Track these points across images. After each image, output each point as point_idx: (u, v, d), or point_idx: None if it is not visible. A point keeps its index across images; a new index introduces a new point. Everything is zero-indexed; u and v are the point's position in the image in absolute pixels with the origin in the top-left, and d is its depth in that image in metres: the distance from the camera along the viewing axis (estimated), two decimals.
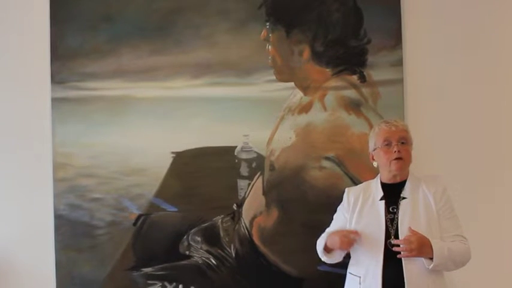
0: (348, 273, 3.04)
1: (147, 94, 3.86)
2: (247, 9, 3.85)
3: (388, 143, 2.95)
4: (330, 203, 3.54)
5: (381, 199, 2.97)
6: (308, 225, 3.72)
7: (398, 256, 2.79)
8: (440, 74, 3.82)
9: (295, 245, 3.73)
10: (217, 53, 3.85)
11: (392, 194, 2.96)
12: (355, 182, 3.66)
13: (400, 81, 3.80)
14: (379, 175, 3.05)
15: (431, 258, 2.78)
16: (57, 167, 3.85)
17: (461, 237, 2.90)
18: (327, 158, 3.77)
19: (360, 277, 2.92)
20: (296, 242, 3.74)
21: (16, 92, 3.91)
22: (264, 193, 3.81)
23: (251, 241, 3.80)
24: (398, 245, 2.81)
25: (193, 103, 3.85)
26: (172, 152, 3.85)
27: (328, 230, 3.13)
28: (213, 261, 3.81)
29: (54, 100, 3.87)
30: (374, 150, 3.03)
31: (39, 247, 3.85)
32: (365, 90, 3.80)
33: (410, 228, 2.80)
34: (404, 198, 2.93)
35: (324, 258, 3.06)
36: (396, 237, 2.84)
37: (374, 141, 3.02)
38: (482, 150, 3.79)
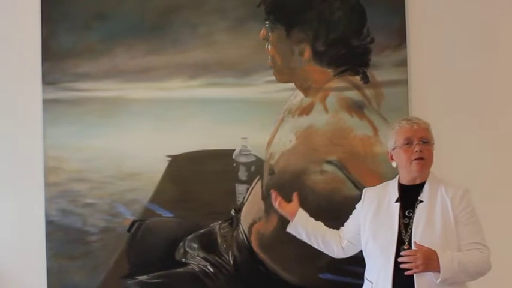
0: (364, 278, 2.99)
1: (142, 95, 3.84)
2: (246, 7, 3.84)
3: (409, 142, 2.86)
4: (332, 208, 3.66)
5: (397, 201, 2.89)
6: None
7: (406, 273, 2.73)
8: (446, 74, 3.80)
9: (295, 252, 3.69)
10: (214, 52, 3.83)
11: (410, 196, 2.88)
12: (358, 187, 3.68)
13: (404, 81, 3.78)
14: (398, 176, 2.97)
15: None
16: (48, 171, 3.83)
17: (479, 245, 2.80)
18: (329, 162, 3.75)
19: (372, 282, 2.88)
20: (296, 248, 3.62)
21: (6, 93, 3.89)
22: (263, 198, 3.79)
23: (250, 248, 3.78)
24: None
25: (190, 105, 3.83)
26: (168, 156, 3.82)
27: (341, 227, 3.13)
28: (211, 269, 3.78)
29: (45, 101, 3.85)
30: (393, 149, 2.93)
31: (30, 254, 3.83)
32: (368, 92, 3.78)
33: (415, 242, 2.73)
34: (421, 201, 2.85)
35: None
36: (410, 243, 2.77)
37: (394, 140, 2.93)
38: (490, 153, 3.77)
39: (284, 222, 3.62)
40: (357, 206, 3.08)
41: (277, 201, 3.15)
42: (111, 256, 3.78)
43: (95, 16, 3.85)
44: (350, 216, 3.11)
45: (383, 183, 3.07)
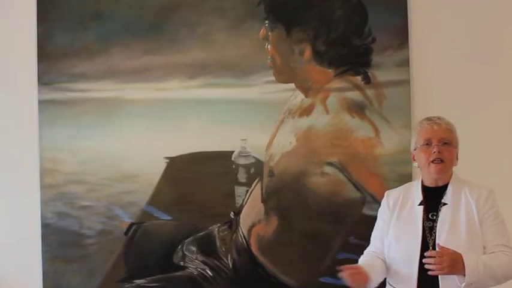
0: (386, 282, 2.93)
1: (139, 96, 3.83)
2: (245, 6, 3.83)
3: (428, 143, 2.82)
4: (332, 211, 3.67)
5: (420, 204, 2.84)
6: (309, 234, 3.70)
7: (429, 273, 2.67)
8: (449, 75, 3.78)
9: (295, 255, 3.70)
10: (213, 52, 3.82)
11: (433, 198, 2.83)
12: (359, 189, 3.68)
13: (406, 82, 3.76)
14: (420, 177, 2.93)
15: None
16: (44, 173, 3.82)
17: (505, 247, 2.74)
18: (329, 164, 3.73)
19: None
20: (297, 252, 3.71)
21: (1, 93, 3.88)
22: (263, 200, 3.77)
23: (249, 251, 3.76)
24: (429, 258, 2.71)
25: (188, 105, 3.81)
26: (166, 157, 3.81)
27: (371, 241, 3.01)
28: (209, 273, 3.77)
29: (41, 102, 3.84)
30: (415, 149, 2.90)
31: (26, 258, 3.82)
32: (369, 92, 3.76)
33: (438, 245, 2.68)
34: (445, 204, 2.80)
35: None
36: (434, 247, 2.72)
37: (415, 140, 2.89)
38: (494, 154, 3.75)
39: (284, 224, 3.64)
40: (379, 213, 3.00)
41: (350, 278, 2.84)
42: (108, 259, 3.77)
43: (91, 15, 3.85)
44: (375, 226, 3.01)
45: (405, 185, 3.02)
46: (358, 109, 3.75)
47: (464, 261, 2.62)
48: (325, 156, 3.74)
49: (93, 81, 3.83)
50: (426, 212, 2.80)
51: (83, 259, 3.77)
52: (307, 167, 3.74)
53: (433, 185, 2.83)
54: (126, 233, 3.79)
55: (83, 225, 3.80)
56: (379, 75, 3.75)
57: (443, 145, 2.78)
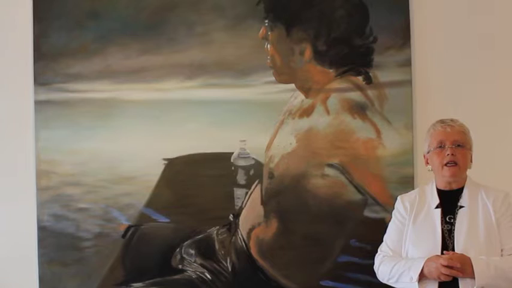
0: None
1: (137, 96, 3.82)
2: (245, 5, 3.79)
3: (441, 146, 2.86)
4: (333, 213, 3.67)
5: (437, 207, 2.87)
6: (310, 237, 3.70)
7: (442, 278, 2.72)
8: (452, 75, 3.76)
9: (295, 258, 3.70)
10: (212, 52, 3.80)
11: (449, 202, 2.87)
12: (360, 191, 3.67)
13: (408, 82, 3.73)
14: (434, 180, 2.96)
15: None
16: (40, 174, 3.81)
17: None
18: (330, 165, 3.72)
19: None
20: (297, 255, 3.71)
21: None
22: (263, 203, 3.76)
23: (249, 254, 3.75)
24: None
25: (186, 106, 3.80)
26: (164, 159, 3.80)
27: (385, 244, 3.02)
28: (208, 276, 3.76)
29: (37, 103, 3.83)
30: (428, 152, 2.94)
31: (21, 261, 3.81)
32: (371, 93, 3.74)
33: (445, 252, 2.73)
34: (461, 207, 2.84)
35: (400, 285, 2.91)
36: (453, 250, 2.77)
37: (428, 143, 2.94)
38: (497, 156, 3.73)
39: (284, 227, 3.64)
40: (394, 217, 3.01)
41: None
42: (105, 263, 3.76)
43: (88, 14, 3.83)
44: (388, 230, 3.02)
45: (417, 189, 3.05)
46: (359, 110, 3.73)
47: (473, 264, 2.64)
48: (326, 158, 3.72)
49: (90, 82, 3.80)
50: (443, 215, 2.82)
51: (79, 262, 3.76)
52: (307, 169, 3.72)
53: (447, 188, 2.85)
54: (123, 236, 3.76)
55: (80, 227, 3.77)
56: (381, 75, 3.73)
57: (457, 147, 2.80)
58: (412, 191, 3.04)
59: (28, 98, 3.81)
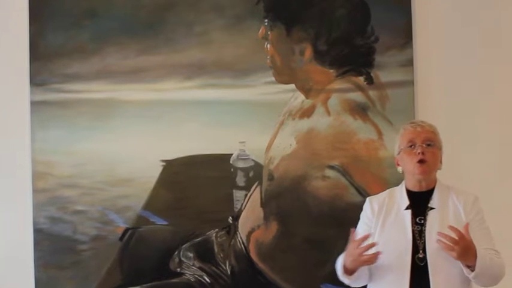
0: None
1: (135, 97, 3.83)
2: (244, 4, 3.82)
3: (412, 145, 2.85)
4: (334, 215, 3.66)
5: (407, 208, 2.85)
6: (310, 239, 3.71)
7: (437, 242, 2.68)
8: (454, 75, 3.77)
9: (296, 262, 3.71)
10: (211, 52, 3.81)
11: (419, 203, 2.85)
12: (361, 193, 3.67)
13: (410, 82, 3.75)
14: (403, 182, 2.95)
15: (469, 267, 2.67)
16: (36, 176, 3.81)
17: (494, 251, 2.79)
18: (331, 167, 3.72)
19: None
20: (297, 258, 3.71)
21: None
22: (262, 205, 3.76)
23: (248, 257, 3.75)
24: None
25: (185, 107, 3.81)
26: (162, 160, 3.80)
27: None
28: (207, 279, 3.75)
29: (33, 104, 3.84)
30: (398, 153, 2.92)
31: (17, 264, 3.81)
32: (372, 93, 3.75)
33: (452, 227, 2.66)
34: (432, 208, 2.83)
35: (346, 281, 2.88)
36: (424, 251, 2.75)
37: (398, 144, 2.93)
38: (498, 157, 3.74)
39: (284, 229, 3.63)
40: (361, 218, 2.98)
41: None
42: (102, 266, 3.76)
43: (85, 14, 3.84)
44: (357, 231, 2.97)
45: (387, 191, 3.03)
46: (360, 111, 3.74)
47: (477, 252, 2.63)
48: (327, 159, 3.72)
49: (87, 82, 3.82)
50: (413, 216, 2.81)
51: (76, 265, 3.76)
52: (307, 170, 3.73)
53: (416, 189, 2.84)
54: (121, 239, 3.76)
55: (77, 230, 3.78)
56: (382, 75, 3.74)
57: (427, 146, 2.80)
58: (382, 193, 3.02)
59: (24, 99, 3.82)
